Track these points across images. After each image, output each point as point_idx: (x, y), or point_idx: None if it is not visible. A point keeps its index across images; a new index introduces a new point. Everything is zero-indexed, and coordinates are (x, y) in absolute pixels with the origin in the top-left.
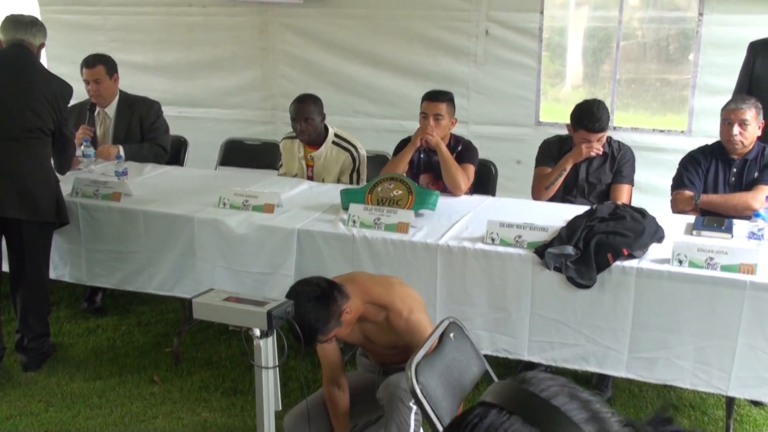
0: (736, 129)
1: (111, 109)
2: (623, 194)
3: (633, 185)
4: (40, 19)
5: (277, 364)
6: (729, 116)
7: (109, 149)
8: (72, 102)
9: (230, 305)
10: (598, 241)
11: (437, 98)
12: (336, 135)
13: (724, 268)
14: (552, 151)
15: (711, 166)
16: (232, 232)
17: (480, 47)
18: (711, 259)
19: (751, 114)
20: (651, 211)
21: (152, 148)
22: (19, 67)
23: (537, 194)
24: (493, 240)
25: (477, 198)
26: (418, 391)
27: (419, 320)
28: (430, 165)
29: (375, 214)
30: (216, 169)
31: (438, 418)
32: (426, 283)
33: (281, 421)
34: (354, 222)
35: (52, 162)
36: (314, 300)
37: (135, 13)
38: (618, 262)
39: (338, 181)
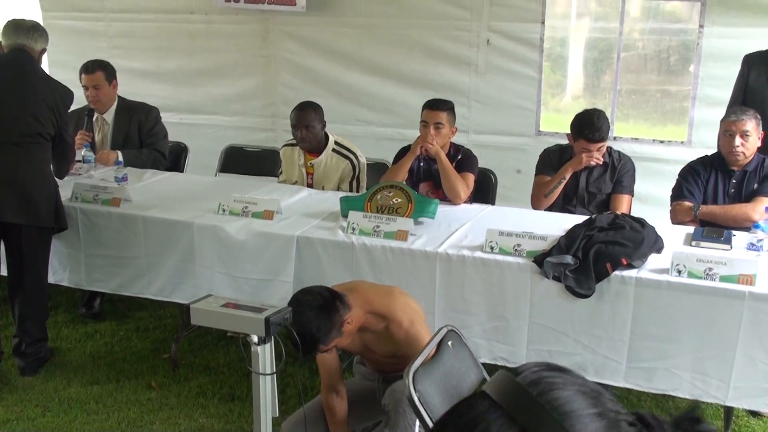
0: (738, 140)
1: (109, 115)
2: (623, 204)
3: (633, 196)
4: (42, 24)
5: (274, 370)
6: (730, 128)
7: (108, 155)
8: (72, 108)
9: (228, 311)
10: (597, 251)
11: (438, 107)
12: (336, 143)
13: (723, 279)
14: (552, 160)
15: (711, 177)
16: (231, 238)
17: (481, 57)
18: (710, 269)
19: (752, 125)
20: (650, 222)
21: (151, 154)
22: (20, 72)
23: (536, 202)
24: (492, 249)
25: (476, 207)
26: (415, 398)
27: (419, 331)
28: (430, 173)
29: (374, 221)
30: (216, 175)
31: None
32: (425, 291)
33: (279, 427)
34: (353, 229)
35: (52, 167)
36: (316, 309)
37: (137, 20)
38: (617, 272)
39: (338, 188)
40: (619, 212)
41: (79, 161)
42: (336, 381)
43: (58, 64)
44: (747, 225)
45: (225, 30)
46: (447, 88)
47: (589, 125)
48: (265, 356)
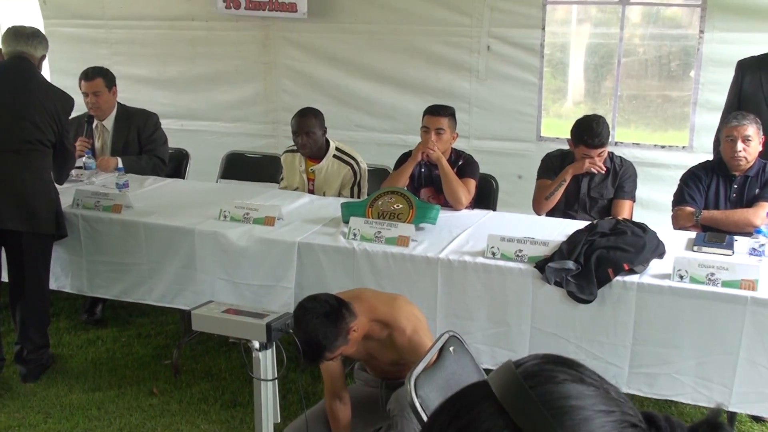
0: (740, 145)
1: (109, 122)
2: (625, 210)
3: (635, 201)
4: (42, 31)
5: (276, 376)
6: (732, 133)
7: (108, 161)
8: (72, 114)
9: (229, 317)
10: (599, 256)
11: (439, 113)
12: (337, 149)
13: (725, 284)
14: (554, 164)
15: (712, 182)
16: (232, 244)
17: (482, 63)
18: (712, 274)
19: (753, 130)
20: (652, 227)
21: (150, 160)
22: (20, 80)
23: (537, 205)
24: (493, 254)
25: (478, 212)
26: (417, 404)
27: (422, 339)
28: (431, 179)
29: (376, 227)
30: (217, 181)
31: None
32: (426, 296)
33: None
34: (354, 235)
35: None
36: (323, 316)
37: (138, 27)
38: (619, 277)
39: (339, 194)
40: (620, 217)
41: (80, 168)
42: (339, 387)
43: (60, 71)
44: (749, 230)
45: (226, 37)
46: (448, 94)
47: (589, 131)
48: (266, 362)
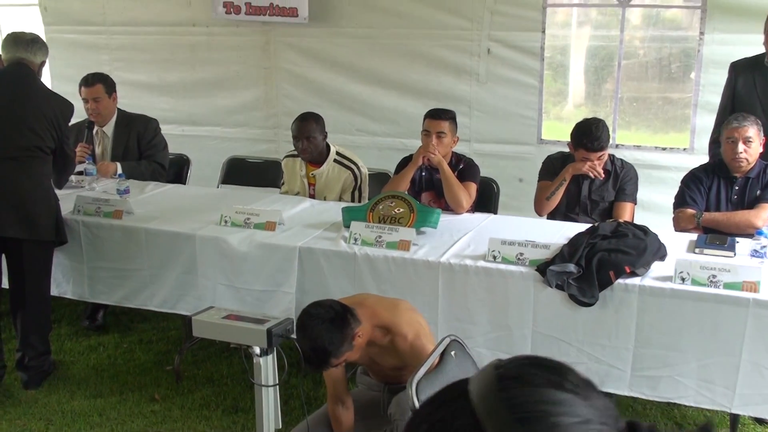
0: (741, 147)
1: (109, 128)
2: (626, 212)
3: (636, 203)
4: (42, 37)
5: (277, 382)
6: (733, 134)
7: (108, 166)
8: (72, 121)
9: (230, 323)
10: (600, 259)
11: (440, 116)
12: (338, 153)
13: (727, 286)
14: (555, 166)
15: (713, 184)
16: (233, 249)
17: (482, 66)
18: (714, 276)
19: (754, 131)
20: (653, 229)
21: (150, 165)
22: (19, 86)
23: (539, 206)
24: (494, 258)
25: (479, 216)
26: None
27: (424, 345)
28: (432, 183)
29: (376, 231)
30: (218, 187)
31: None
32: (427, 300)
33: None
34: (355, 240)
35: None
36: (328, 322)
37: (139, 32)
38: (620, 280)
39: (340, 199)
40: (621, 220)
41: (81, 174)
42: (342, 392)
43: (60, 77)
44: (750, 232)
45: (226, 42)
46: (448, 98)
47: (588, 134)
48: (267, 368)
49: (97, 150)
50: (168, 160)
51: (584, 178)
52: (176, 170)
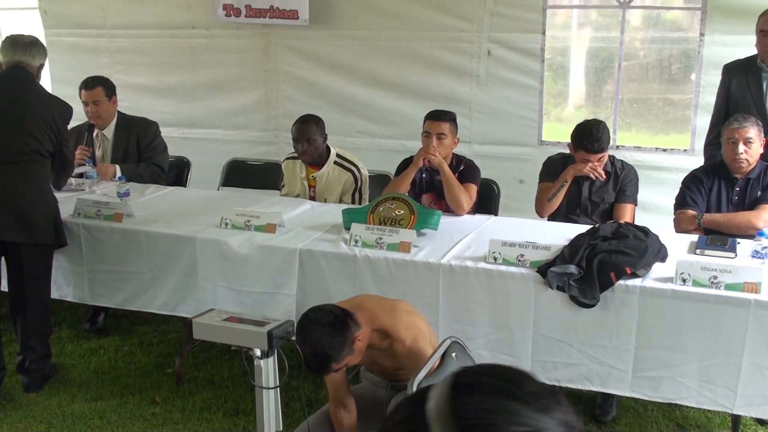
0: (741, 147)
1: (109, 131)
2: (626, 214)
3: (636, 205)
4: (40, 40)
5: (277, 384)
6: (733, 135)
7: (107, 168)
8: (72, 123)
9: (230, 325)
10: (601, 260)
11: (440, 118)
12: (338, 155)
13: (728, 287)
14: (556, 168)
15: (714, 185)
16: (233, 252)
17: (482, 68)
18: (715, 277)
19: (754, 132)
20: (654, 230)
21: (149, 168)
22: (17, 90)
23: (540, 207)
24: (495, 259)
25: (479, 217)
26: None
27: (422, 349)
28: (433, 185)
29: (377, 233)
30: (218, 189)
31: None
32: (428, 302)
33: None
34: (356, 242)
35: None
36: (328, 326)
37: (139, 35)
38: (621, 281)
39: (340, 201)
40: (622, 221)
41: (81, 177)
42: (343, 394)
43: (61, 80)
44: (751, 233)
45: (226, 44)
46: (449, 99)
47: (589, 136)
48: (268, 370)
49: (97, 153)
50: (168, 163)
51: (584, 180)
52: (176, 173)
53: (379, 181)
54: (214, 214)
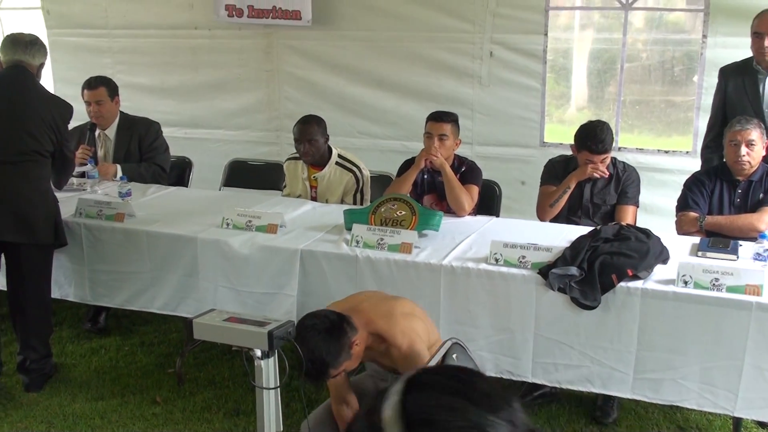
0: (743, 150)
1: (111, 131)
2: (628, 215)
3: (638, 207)
4: (41, 39)
5: (278, 384)
6: (735, 137)
7: (108, 167)
8: (73, 123)
9: (231, 326)
10: (603, 262)
11: (442, 119)
12: (339, 156)
13: (730, 289)
14: (557, 170)
15: (716, 187)
16: (235, 252)
17: (484, 69)
18: (716, 280)
19: (757, 134)
20: (656, 232)
21: (150, 168)
22: (17, 89)
23: (542, 212)
24: (496, 260)
25: (481, 219)
26: None
27: (419, 353)
28: (434, 186)
29: (378, 234)
30: (220, 189)
31: None
32: (429, 303)
33: None
34: (357, 242)
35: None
36: (324, 332)
37: (141, 36)
38: (622, 283)
39: (342, 201)
40: (624, 223)
41: (82, 176)
42: (345, 392)
43: (63, 80)
44: (753, 235)
45: (228, 45)
46: (450, 100)
47: (592, 137)
48: (268, 370)
49: (99, 152)
50: (169, 163)
51: (586, 182)
52: (178, 173)
53: (381, 181)
54: (215, 215)
